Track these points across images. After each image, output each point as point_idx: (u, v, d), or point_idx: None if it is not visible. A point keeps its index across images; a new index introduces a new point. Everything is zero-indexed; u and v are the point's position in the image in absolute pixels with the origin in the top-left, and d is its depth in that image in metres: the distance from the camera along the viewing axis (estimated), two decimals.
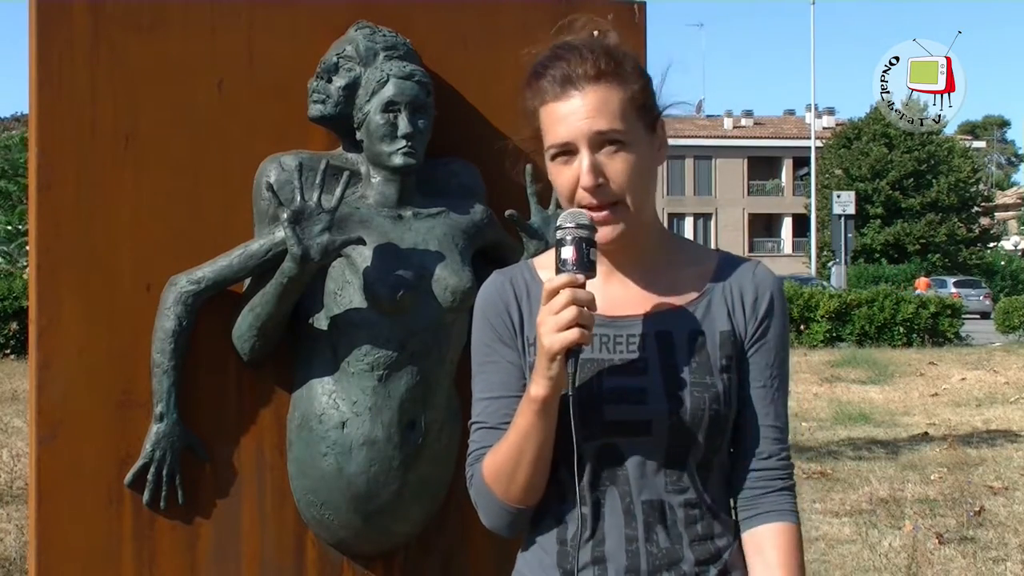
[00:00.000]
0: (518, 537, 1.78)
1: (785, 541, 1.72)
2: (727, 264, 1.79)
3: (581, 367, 1.63)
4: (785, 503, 1.74)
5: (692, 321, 1.73)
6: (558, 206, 2.73)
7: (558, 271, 1.61)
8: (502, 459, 1.68)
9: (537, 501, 1.72)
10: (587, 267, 1.61)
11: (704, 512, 1.71)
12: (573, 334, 1.57)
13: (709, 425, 1.68)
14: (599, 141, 1.66)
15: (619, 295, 1.72)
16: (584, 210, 1.66)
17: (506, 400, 1.73)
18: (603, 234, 1.67)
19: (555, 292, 1.58)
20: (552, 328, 1.57)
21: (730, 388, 1.72)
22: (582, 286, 1.59)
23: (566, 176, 1.69)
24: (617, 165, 1.67)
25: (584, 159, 1.66)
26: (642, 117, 1.71)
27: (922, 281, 35.77)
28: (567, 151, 1.68)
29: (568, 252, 1.61)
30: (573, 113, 1.67)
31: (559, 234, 1.63)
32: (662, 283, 1.75)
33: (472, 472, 1.75)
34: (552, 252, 1.87)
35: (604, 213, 1.67)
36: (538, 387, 1.61)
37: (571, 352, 1.59)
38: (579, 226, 1.62)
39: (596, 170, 1.66)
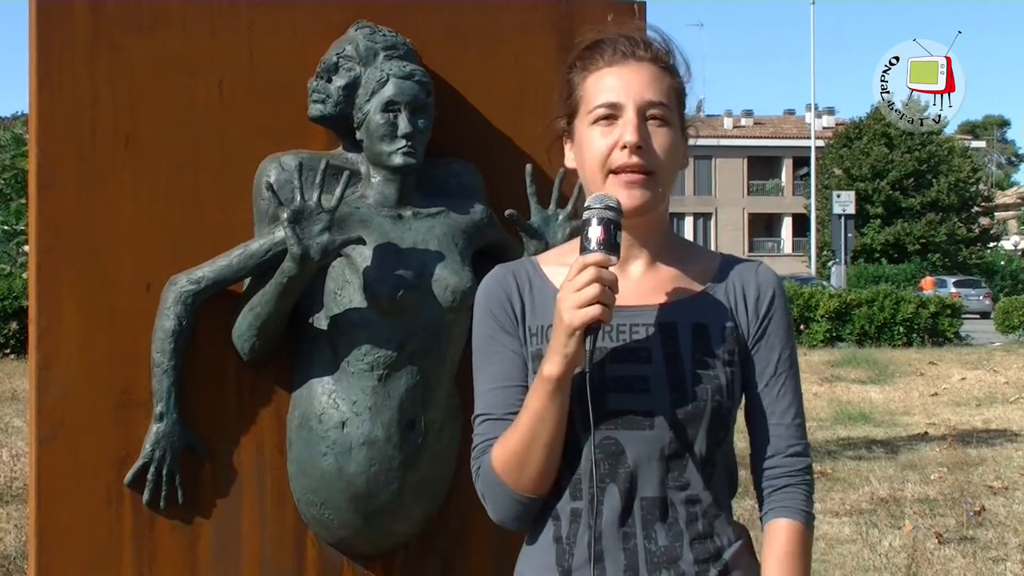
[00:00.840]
0: (525, 531, 1.77)
1: (785, 539, 1.71)
2: (729, 264, 1.81)
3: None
4: (792, 500, 1.73)
5: (695, 314, 1.73)
6: (559, 206, 2.73)
7: (583, 250, 1.62)
8: (513, 446, 1.67)
9: (547, 490, 1.70)
10: (613, 248, 1.62)
11: (706, 510, 1.70)
12: (595, 310, 1.57)
13: (711, 417, 1.68)
14: (646, 110, 1.70)
15: (624, 286, 1.72)
16: (611, 194, 1.67)
17: (512, 390, 1.73)
18: (631, 197, 1.68)
19: (583, 268, 1.59)
20: (574, 304, 1.58)
21: (733, 381, 1.71)
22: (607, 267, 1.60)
23: (604, 139, 1.70)
24: (659, 138, 1.71)
25: (632, 120, 1.69)
26: (680, 113, 1.77)
27: (928, 280, 35.82)
28: (611, 114, 1.70)
29: (595, 232, 1.62)
30: (627, 78, 1.71)
31: (586, 214, 1.64)
32: (667, 277, 1.76)
33: (479, 464, 1.74)
34: (556, 249, 1.87)
35: (639, 176, 1.69)
36: (552, 365, 1.61)
37: (590, 329, 1.59)
38: (607, 207, 1.63)
39: (642, 132, 1.69)
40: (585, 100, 1.74)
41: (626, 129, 1.69)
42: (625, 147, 1.68)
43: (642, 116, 1.70)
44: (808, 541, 1.74)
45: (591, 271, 1.58)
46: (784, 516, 1.73)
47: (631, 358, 1.69)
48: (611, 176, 1.70)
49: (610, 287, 1.59)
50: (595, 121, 1.71)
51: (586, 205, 1.65)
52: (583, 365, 1.61)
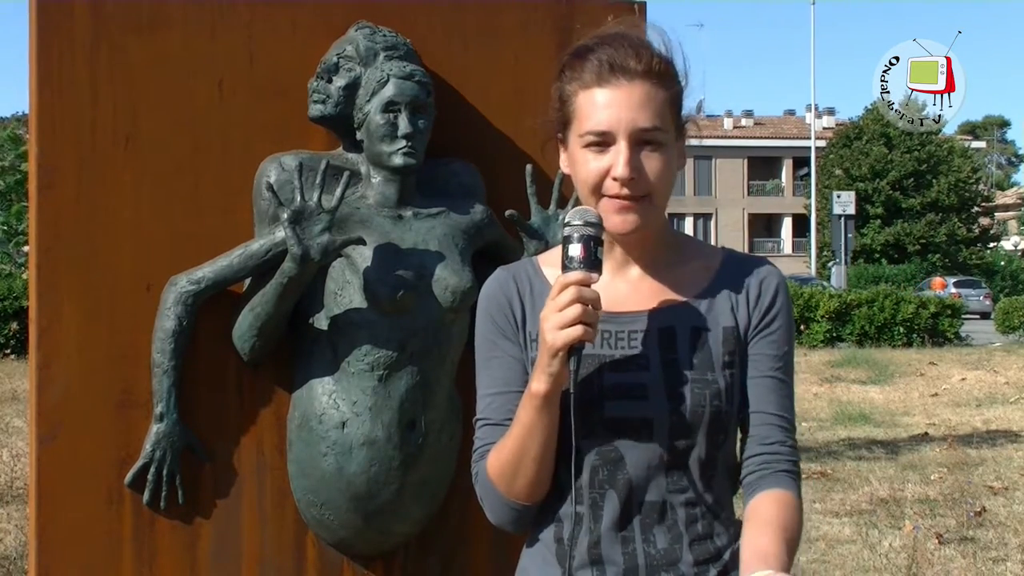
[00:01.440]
0: (523, 533, 1.78)
1: (779, 504, 1.66)
2: (732, 261, 1.78)
3: (582, 363, 1.62)
4: (786, 481, 1.69)
5: (695, 317, 1.72)
6: (559, 206, 2.72)
7: (565, 268, 1.61)
8: (506, 455, 1.68)
9: (542, 497, 1.71)
10: (594, 265, 1.61)
11: (705, 511, 1.70)
12: (576, 331, 1.57)
13: (710, 422, 1.67)
14: (639, 137, 1.66)
15: (622, 292, 1.71)
16: (592, 208, 1.66)
17: (510, 395, 1.72)
18: (624, 223, 1.67)
19: (564, 288, 1.58)
20: (556, 324, 1.57)
21: (732, 385, 1.70)
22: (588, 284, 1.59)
23: (596, 165, 1.67)
24: (652, 163, 1.67)
25: (624, 151, 1.65)
26: (676, 120, 1.72)
27: (937, 281, 35.84)
28: (603, 141, 1.67)
29: (576, 250, 1.61)
30: (617, 103, 1.66)
31: (566, 231, 1.63)
32: (666, 280, 1.75)
33: (477, 469, 1.75)
34: (557, 249, 1.87)
35: (631, 203, 1.67)
36: (539, 383, 1.61)
37: (573, 349, 1.59)
38: (587, 223, 1.62)
39: (634, 163, 1.66)
40: (576, 119, 1.70)
41: (617, 160, 1.65)
42: (616, 179, 1.66)
43: (634, 144, 1.66)
44: (798, 510, 1.68)
45: (572, 291, 1.57)
46: (778, 487, 1.67)
47: (629, 366, 1.69)
48: (604, 199, 1.68)
49: (592, 305, 1.58)
50: (587, 145, 1.69)
51: (565, 222, 1.64)
52: (568, 384, 1.61)
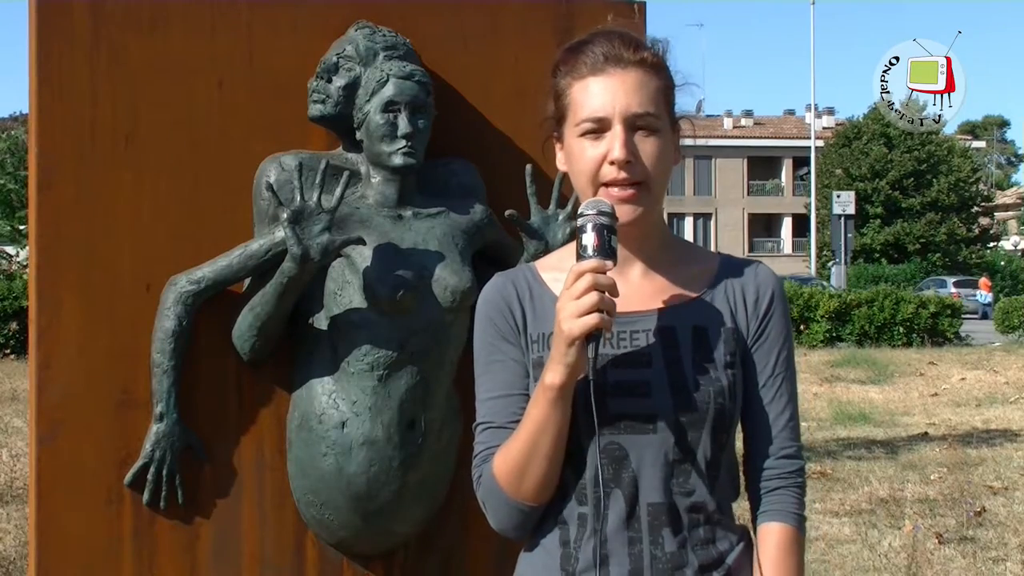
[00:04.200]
0: (523, 539, 1.76)
1: (777, 542, 1.71)
2: (728, 265, 1.79)
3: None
4: (784, 503, 1.73)
5: (695, 317, 1.72)
6: (559, 206, 2.72)
7: (579, 257, 1.61)
8: (515, 455, 1.66)
9: (548, 499, 1.70)
10: (609, 254, 1.61)
11: (709, 516, 1.69)
12: (594, 319, 1.56)
13: (714, 420, 1.67)
14: (633, 122, 1.68)
15: (623, 291, 1.71)
16: (605, 199, 1.66)
17: (513, 398, 1.72)
18: (624, 212, 1.67)
19: (580, 276, 1.58)
20: (573, 313, 1.57)
21: (735, 384, 1.71)
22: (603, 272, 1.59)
23: (593, 152, 1.68)
24: (647, 147, 1.68)
25: (619, 135, 1.67)
26: (670, 112, 1.74)
27: (984, 282, 35.92)
28: (598, 128, 1.68)
29: (589, 238, 1.61)
30: (612, 89, 1.68)
31: (580, 221, 1.63)
32: (665, 281, 1.75)
33: (480, 472, 1.73)
34: (554, 254, 1.87)
35: (630, 191, 1.67)
36: (554, 374, 1.60)
37: (590, 337, 1.58)
38: (600, 213, 1.62)
39: (630, 146, 1.67)
40: (572, 110, 1.72)
41: (614, 144, 1.67)
42: (613, 163, 1.67)
43: (629, 128, 1.68)
44: (800, 543, 1.74)
45: (588, 278, 1.57)
46: (776, 520, 1.73)
47: (632, 363, 1.68)
48: (602, 189, 1.68)
49: (608, 292, 1.58)
50: (583, 134, 1.70)
51: (579, 212, 1.64)
52: (588, 372, 1.60)
